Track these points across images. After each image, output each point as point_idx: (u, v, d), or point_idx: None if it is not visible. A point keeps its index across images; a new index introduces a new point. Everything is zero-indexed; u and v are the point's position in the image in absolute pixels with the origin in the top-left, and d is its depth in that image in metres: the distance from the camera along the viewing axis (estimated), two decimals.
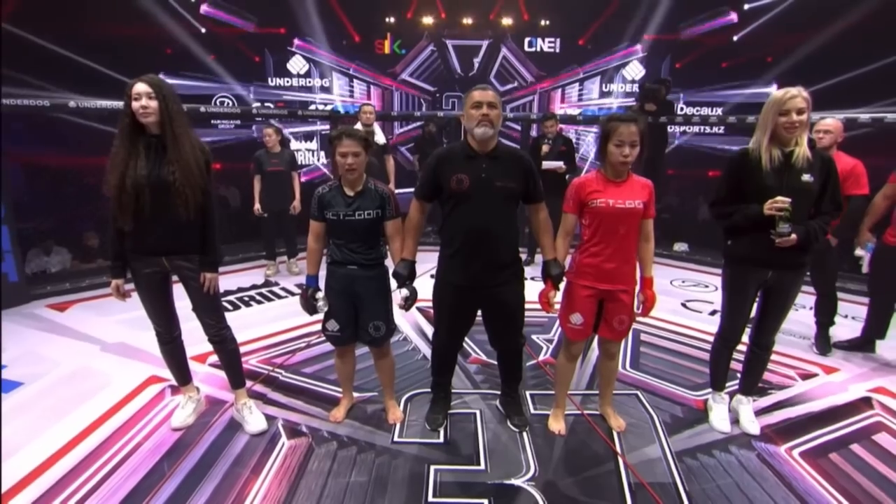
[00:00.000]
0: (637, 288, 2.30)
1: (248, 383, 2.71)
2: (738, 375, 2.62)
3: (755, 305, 2.41)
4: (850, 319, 3.90)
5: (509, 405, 2.59)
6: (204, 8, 8.08)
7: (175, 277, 2.33)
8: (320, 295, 2.33)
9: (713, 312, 4.16)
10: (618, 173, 2.15)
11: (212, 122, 8.28)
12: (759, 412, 2.63)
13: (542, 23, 9.50)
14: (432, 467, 2.21)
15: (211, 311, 2.39)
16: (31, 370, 3.01)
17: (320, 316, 2.39)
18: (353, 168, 2.17)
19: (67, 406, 2.64)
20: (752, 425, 2.48)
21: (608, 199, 2.11)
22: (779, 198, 2.08)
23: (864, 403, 2.78)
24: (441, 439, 2.42)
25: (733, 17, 8.72)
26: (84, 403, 2.67)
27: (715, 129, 8.18)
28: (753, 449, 2.37)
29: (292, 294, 4.51)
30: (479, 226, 2.17)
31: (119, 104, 2.28)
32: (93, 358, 3.21)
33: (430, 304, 2.41)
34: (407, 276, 2.27)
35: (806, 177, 2.13)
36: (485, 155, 2.17)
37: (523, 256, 5.23)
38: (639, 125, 2.07)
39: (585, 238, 2.22)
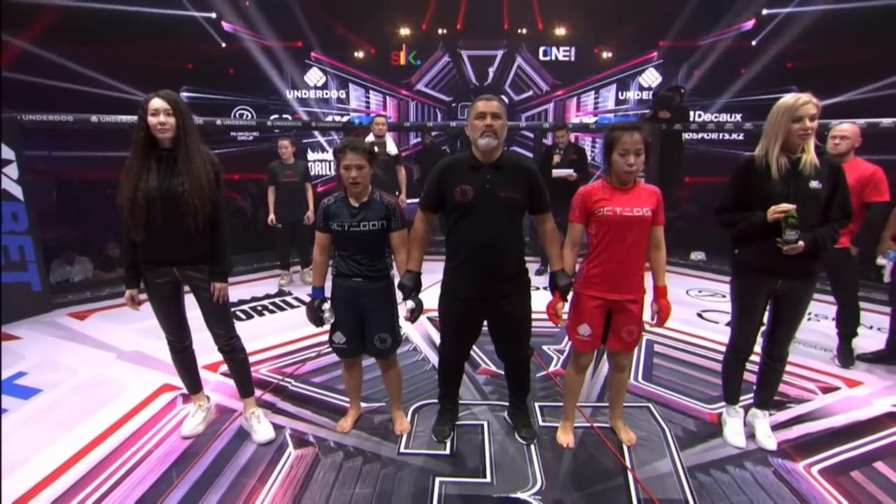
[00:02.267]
0: (649, 298, 2.26)
1: (259, 392, 2.73)
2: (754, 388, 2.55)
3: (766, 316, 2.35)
4: (874, 330, 3.76)
5: (517, 417, 2.55)
6: (225, 24, 8.32)
7: (186, 287, 2.37)
8: (326, 306, 2.34)
9: (729, 323, 4.05)
10: (623, 181, 2.12)
11: (231, 133, 8.47)
12: (777, 427, 2.55)
13: (558, 32, 9.52)
14: (437, 480, 2.19)
15: (221, 320, 2.42)
16: (49, 377, 3.09)
17: (328, 327, 2.40)
18: (357, 182, 2.18)
19: (82, 413, 2.69)
20: (768, 440, 2.41)
21: (615, 207, 2.09)
22: (782, 204, 2.04)
23: (889, 419, 2.67)
24: (447, 451, 2.40)
25: (750, 23, 8.63)
26: (98, 411, 2.72)
27: (734, 136, 8.06)
28: (770, 465, 2.29)
29: (304, 304, 4.53)
30: (483, 237, 2.15)
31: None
32: (108, 366, 3.28)
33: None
34: (412, 288, 2.26)
35: (814, 183, 2.08)
36: (489, 165, 2.16)
37: (535, 266, 5.21)
38: (642, 133, 2.05)
39: (592, 247, 2.19)
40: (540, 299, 2.35)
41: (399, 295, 2.33)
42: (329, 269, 2.40)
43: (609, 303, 2.20)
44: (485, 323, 2.37)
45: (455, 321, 2.33)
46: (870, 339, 3.54)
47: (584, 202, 2.15)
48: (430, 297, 2.38)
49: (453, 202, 2.17)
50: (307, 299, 4.55)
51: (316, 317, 2.34)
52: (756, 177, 2.12)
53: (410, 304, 2.25)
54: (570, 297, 2.28)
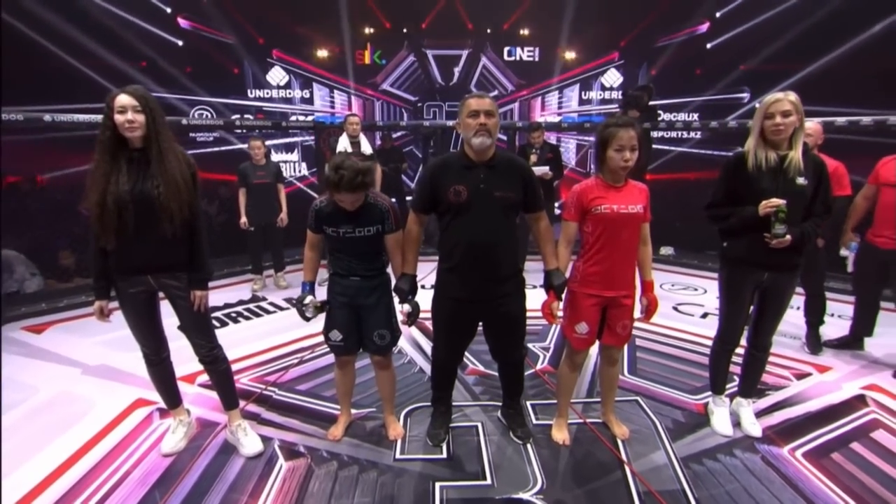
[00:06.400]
0: (637, 293, 2.29)
1: (241, 403, 2.61)
2: (736, 378, 2.63)
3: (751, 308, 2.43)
4: (836, 318, 3.96)
5: (511, 417, 2.54)
6: (181, 20, 7.97)
7: (162, 295, 2.24)
8: (309, 300, 2.25)
9: (705, 315, 4.20)
10: (617, 178, 2.14)
11: (190, 134, 8.12)
12: (759, 414, 2.64)
13: (521, 32, 9.62)
14: (437, 484, 2.15)
15: (201, 329, 2.30)
16: (7, 397, 2.84)
17: (312, 329, 2.33)
18: (354, 208, 2.13)
19: (48, 435, 2.50)
20: (753, 427, 2.49)
21: (612, 205, 2.10)
22: (773, 199, 2.11)
23: (859, 401, 2.82)
24: (444, 455, 2.36)
25: (704, 26, 8.97)
26: (66, 431, 2.53)
27: (693, 134, 8.36)
28: (757, 451, 2.37)
29: (281, 309, 4.40)
30: (478, 238, 2.13)
31: (97, 118, 2.18)
32: (74, 382, 3.06)
33: (426, 315, 2.36)
34: (409, 291, 2.22)
35: (800, 180, 2.16)
36: (482, 164, 2.13)
37: None
38: (636, 129, 2.07)
39: (588, 245, 2.20)
40: (529, 298, 2.34)
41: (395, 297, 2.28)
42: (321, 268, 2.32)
43: (605, 300, 2.21)
44: (478, 325, 2.34)
45: (450, 323, 2.30)
46: (833, 326, 3.73)
47: (580, 200, 2.15)
48: (418, 297, 2.33)
49: (447, 203, 2.14)
50: (283, 304, 4.46)
51: (299, 311, 2.26)
52: (745, 172, 2.18)
53: (407, 307, 2.21)
54: (564, 295, 2.29)
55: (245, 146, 4.93)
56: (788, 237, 2.12)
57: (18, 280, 4.71)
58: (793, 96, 2.12)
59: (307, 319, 2.28)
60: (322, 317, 2.34)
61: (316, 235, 2.25)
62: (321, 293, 2.33)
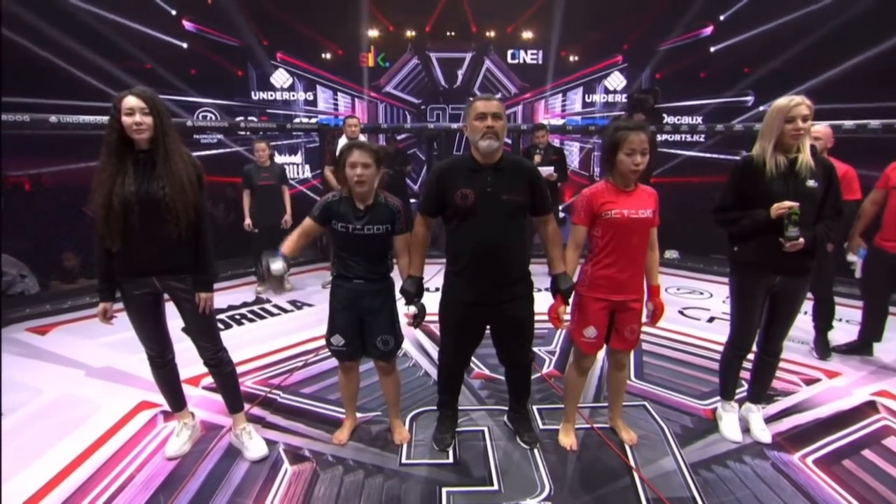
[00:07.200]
0: (645, 297, 2.27)
1: (246, 406, 2.59)
2: (745, 383, 2.60)
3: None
4: (844, 323, 3.92)
5: (518, 421, 2.52)
6: (186, 23, 8.00)
7: (167, 297, 2.23)
8: (278, 263, 2.25)
9: (711, 319, 4.17)
10: (627, 182, 2.12)
11: (194, 136, 8.13)
12: (769, 420, 2.60)
13: (525, 35, 9.62)
14: (444, 490, 2.13)
15: (206, 332, 2.29)
16: (11, 399, 2.83)
17: (316, 332, 2.31)
18: (363, 180, 2.09)
19: (52, 437, 2.49)
20: (763, 434, 2.46)
21: (622, 210, 2.08)
22: (785, 201, 2.09)
23: (870, 407, 2.78)
24: (450, 459, 2.34)
25: (708, 29, 8.96)
26: (70, 434, 2.52)
27: (697, 138, 8.33)
28: (767, 458, 2.34)
29: (285, 311, 4.38)
30: (486, 241, 2.11)
31: (103, 119, 2.18)
32: (78, 384, 3.05)
33: (431, 319, 2.34)
34: (415, 293, 2.21)
35: (811, 182, 2.14)
36: (489, 167, 2.12)
37: None
38: (647, 132, 2.05)
39: (598, 249, 2.17)
40: (538, 301, 2.32)
41: (401, 299, 2.27)
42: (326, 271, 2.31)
43: (613, 304, 2.19)
44: (486, 329, 2.32)
45: (458, 326, 2.28)
46: (840, 331, 3.69)
47: (590, 204, 2.13)
48: (424, 301, 2.31)
49: (454, 206, 2.12)
50: (287, 307, 4.45)
51: (265, 265, 2.25)
52: (755, 176, 2.17)
53: (413, 309, 2.20)
54: (571, 299, 2.26)
55: (243, 149, 4.93)
56: (802, 240, 2.10)
57: (9, 283, 4.68)
58: (808, 100, 2.11)
59: (268, 273, 2.26)
60: (324, 321, 2.33)
61: (315, 225, 2.23)
62: (323, 297, 2.32)
